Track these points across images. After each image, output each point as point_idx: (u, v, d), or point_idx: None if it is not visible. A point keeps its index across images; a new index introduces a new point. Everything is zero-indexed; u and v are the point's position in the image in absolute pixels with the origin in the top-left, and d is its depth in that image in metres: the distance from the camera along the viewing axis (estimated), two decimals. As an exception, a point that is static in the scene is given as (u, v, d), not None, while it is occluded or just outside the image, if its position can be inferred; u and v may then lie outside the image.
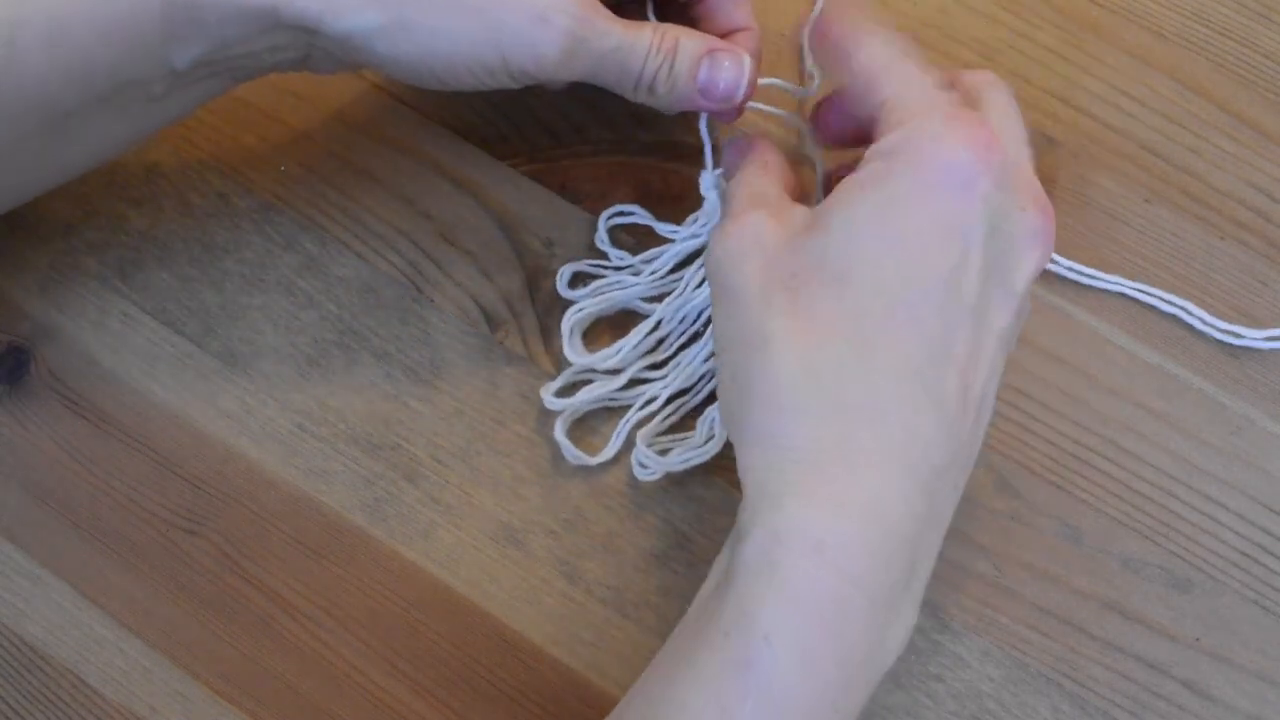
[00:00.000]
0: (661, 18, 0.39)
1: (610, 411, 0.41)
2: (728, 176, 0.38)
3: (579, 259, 0.42)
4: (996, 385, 0.33)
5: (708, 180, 0.40)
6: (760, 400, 0.31)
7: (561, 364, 0.41)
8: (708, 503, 0.40)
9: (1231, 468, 0.40)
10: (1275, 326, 0.42)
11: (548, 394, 0.40)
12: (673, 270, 0.42)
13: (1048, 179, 0.44)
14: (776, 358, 0.31)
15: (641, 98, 0.38)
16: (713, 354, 0.41)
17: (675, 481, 0.40)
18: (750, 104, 0.38)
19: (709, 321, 0.41)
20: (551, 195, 0.44)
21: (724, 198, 0.39)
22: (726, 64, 0.37)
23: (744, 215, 0.34)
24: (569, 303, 0.42)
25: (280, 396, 0.41)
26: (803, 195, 0.37)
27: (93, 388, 0.41)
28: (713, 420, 0.40)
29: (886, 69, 0.33)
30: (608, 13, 0.36)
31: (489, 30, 0.35)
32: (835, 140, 0.39)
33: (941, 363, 0.31)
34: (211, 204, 0.43)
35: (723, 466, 0.40)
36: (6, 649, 0.38)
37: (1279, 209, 0.44)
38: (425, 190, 0.44)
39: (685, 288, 0.41)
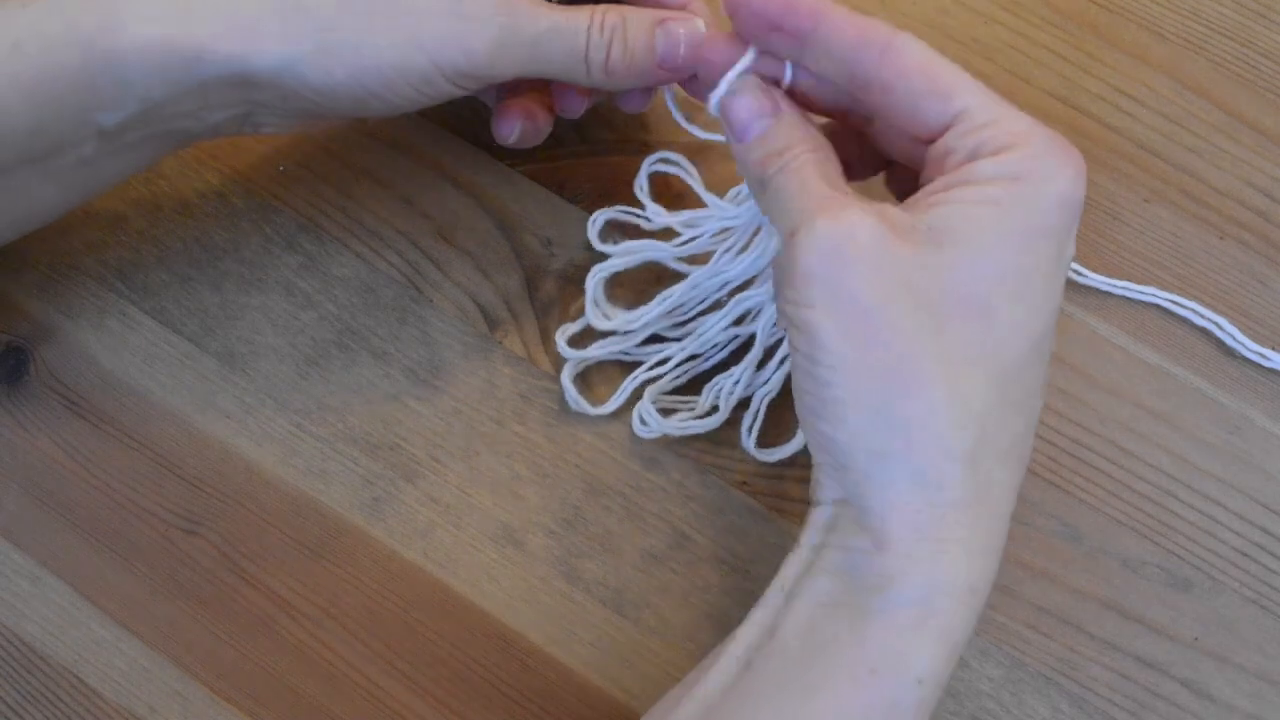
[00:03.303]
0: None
1: (622, 371, 0.41)
2: (753, 153, 0.34)
3: (577, 259, 0.42)
4: None
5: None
6: (919, 440, 0.29)
7: (561, 362, 0.41)
8: (707, 502, 0.40)
9: (1230, 467, 0.40)
10: (1273, 325, 0.42)
11: (562, 339, 0.40)
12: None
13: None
14: (936, 396, 0.29)
15: (596, 80, 0.36)
16: (733, 322, 0.40)
17: (674, 481, 0.40)
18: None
19: (733, 292, 0.41)
20: (551, 195, 0.44)
21: (765, 184, 0.33)
22: (682, 30, 0.35)
23: (846, 212, 0.30)
24: (568, 303, 0.42)
25: (279, 396, 0.41)
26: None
27: (92, 388, 0.41)
28: (718, 391, 0.40)
29: (955, 76, 0.31)
30: (535, 0, 0.35)
31: (410, 37, 0.34)
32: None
33: (1044, 376, 0.32)
34: (211, 204, 0.43)
35: (721, 466, 0.40)
36: (5, 649, 0.38)
37: (1278, 209, 0.44)
38: (424, 190, 0.44)
39: (718, 259, 0.40)
